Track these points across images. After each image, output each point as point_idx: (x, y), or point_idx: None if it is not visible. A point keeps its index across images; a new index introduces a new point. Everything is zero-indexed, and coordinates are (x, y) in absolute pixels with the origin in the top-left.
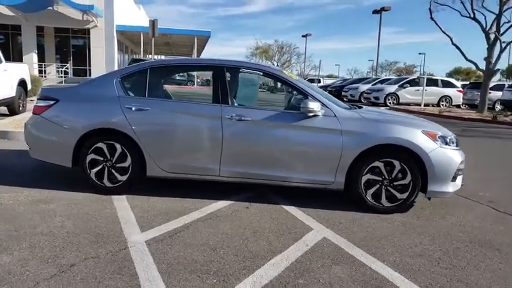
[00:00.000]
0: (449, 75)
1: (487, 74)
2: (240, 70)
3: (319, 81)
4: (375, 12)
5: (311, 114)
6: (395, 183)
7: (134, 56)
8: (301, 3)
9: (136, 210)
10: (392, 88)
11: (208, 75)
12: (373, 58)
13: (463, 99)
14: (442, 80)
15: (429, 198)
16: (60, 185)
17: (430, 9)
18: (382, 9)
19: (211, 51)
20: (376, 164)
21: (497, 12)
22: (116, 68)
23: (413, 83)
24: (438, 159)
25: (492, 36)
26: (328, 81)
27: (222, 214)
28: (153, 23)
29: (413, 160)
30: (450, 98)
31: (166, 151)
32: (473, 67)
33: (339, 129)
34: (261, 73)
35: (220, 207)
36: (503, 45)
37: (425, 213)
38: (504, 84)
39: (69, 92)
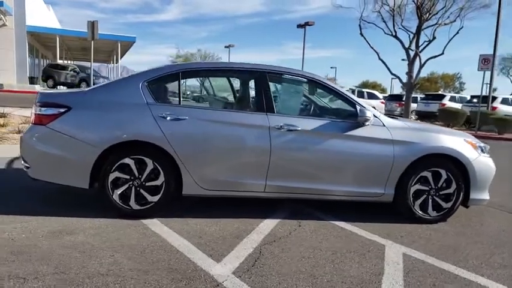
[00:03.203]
0: (358, 88)
1: (408, 88)
2: (283, 76)
3: None
4: (300, 26)
5: (367, 123)
6: (441, 193)
7: (46, 61)
8: (213, 15)
9: (186, 235)
10: None
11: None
12: None
13: (384, 110)
14: (367, 92)
15: (467, 206)
16: (69, 211)
17: (360, 25)
18: (306, 23)
19: (127, 59)
20: (425, 173)
21: (415, 31)
22: (28, 74)
23: None
24: (480, 167)
25: (412, 53)
26: None
27: (281, 235)
28: (92, 24)
29: (458, 169)
30: (375, 108)
31: (206, 166)
32: (379, 81)
33: (390, 139)
34: (305, 80)
35: (272, 226)
36: (423, 61)
37: (462, 221)
38: (417, 97)
39: (83, 98)
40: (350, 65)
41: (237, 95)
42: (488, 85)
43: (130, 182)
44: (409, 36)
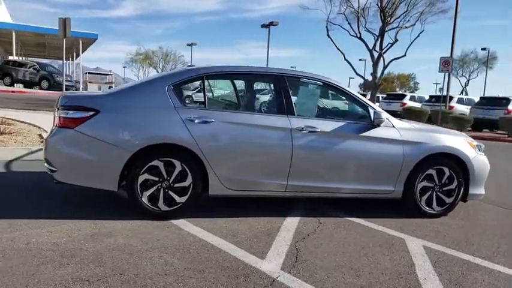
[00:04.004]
0: None
1: (373, 87)
2: (301, 80)
3: None
4: (264, 26)
5: (382, 124)
6: (444, 189)
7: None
8: (170, 12)
9: (221, 235)
10: None
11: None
12: None
13: None
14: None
15: (465, 201)
16: (94, 213)
17: (326, 27)
18: (271, 23)
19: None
20: (430, 171)
21: (379, 33)
22: None
23: None
24: (478, 165)
25: (376, 54)
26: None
27: (308, 232)
28: (64, 21)
29: (459, 167)
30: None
31: (232, 167)
32: (338, 80)
33: (400, 139)
34: (321, 83)
35: (295, 224)
36: (386, 62)
37: (461, 215)
38: (379, 97)
39: (111, 101)
40: (309, 64)
41: (259, 97)
42: (446, 86)
43: (159, 184)
44: (374, 38)
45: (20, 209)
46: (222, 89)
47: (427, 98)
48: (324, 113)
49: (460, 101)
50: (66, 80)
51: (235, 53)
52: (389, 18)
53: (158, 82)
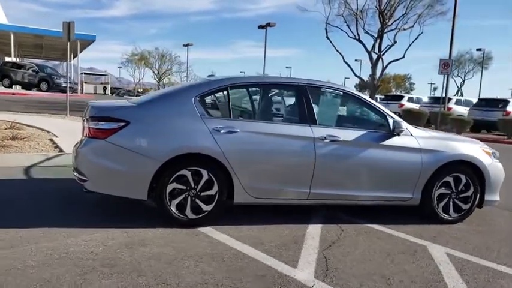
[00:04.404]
0: None
1: (372, 89)
2: (322, 90)
3: None
4: (261, 27)
5: (402, 134)
6: (460, 196)
7: None
8: (163, 12)
9: (249, 243)
10: None
11: None
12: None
13: None
14: None
15: (481, 207)
16: (123, 221)
17: (326, 29)
18: (268, 24)
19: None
20: (447, 178)
21: (377, 35)
22: None
23: None
24: (493, 172)
25: (375, 56)
26: None
27: (332, 239)
28: (68, 25)
29: (475, 174)
30: None
31: (257, 176)
32: (333, 81)
33: (419, 148)
34: (341, 93)
35: (318, 232)
36: (385, 64)
37: (476, 221)
38: (376, 98)
39: (141, 112)
40: (304, 64)
41: (281, 107)
42: (445, 87)
43: (187, 192)
44: (374, 40)
45: (50, 217)
46: (244, 98)
47: (424, 99)
48: (344, 122)
49: (458, 102)
50: (65, 82)
51: (229, 52)
52: (387, 20)
53: (184, 93)
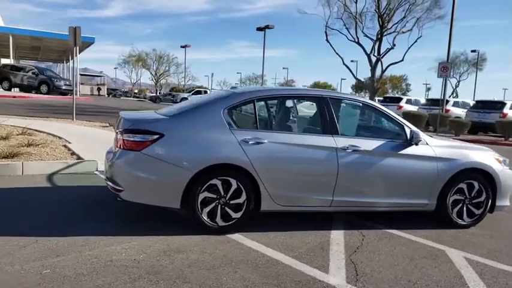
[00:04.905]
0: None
1: (371, 91)
2: (342, 101)
3: (206, 93)
4: (259, 29)
5: (420, 143)
6: (473, 201)
7: None
8: (159, 12)
9: (278, 249)
10: None
11: None
12: (240, 71)
13: None
14: None
15: (492, 212)
16: (155, 228)
17: (325, 32)
18: (266, 26)
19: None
20: (461, 185)
21: (376, 37)
22: None
23: None
24: (504, 178)
25: (374, 59)
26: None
27: (356, 245)
28: (74, 30)
29: (487, 180)
30: None
31: (283, 185)
32: (330, 82)
33: (434, 156)
34: (360, 104)
35: (342, 237)
36: (384, 66)
37: (488, 225)
38: (375, 99)
39: (174, 125)
40: (301, 65)
41: (305, 118)
42: (443, 90)
43: (217, 201)
44: (373, 42)
45: (86, 225)
46: (270, 110)
47: (422, 101)
48: (364, 132)
49: (456, 104)
50: (65, 84)
51: (224, 53)
52: (387, 24)
53: (213, 106)
